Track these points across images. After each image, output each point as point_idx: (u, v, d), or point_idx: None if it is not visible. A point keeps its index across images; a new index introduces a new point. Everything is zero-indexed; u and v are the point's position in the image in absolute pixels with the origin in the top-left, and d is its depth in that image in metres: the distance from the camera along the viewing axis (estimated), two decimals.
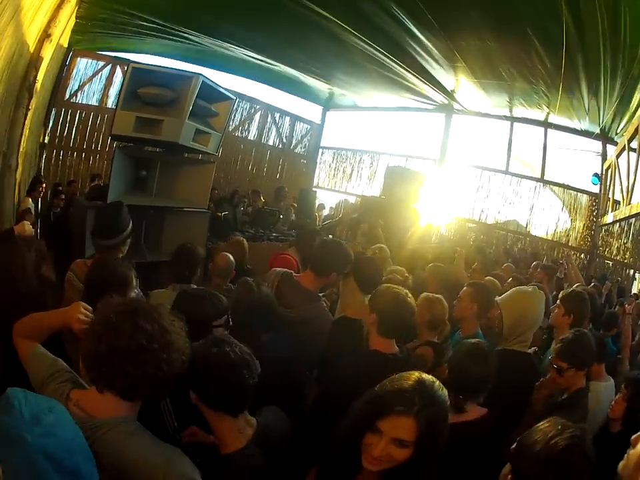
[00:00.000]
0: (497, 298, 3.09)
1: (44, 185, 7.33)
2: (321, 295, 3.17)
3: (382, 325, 2.37)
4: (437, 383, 1.47)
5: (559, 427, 1.46)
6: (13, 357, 1.67)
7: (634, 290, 10.39)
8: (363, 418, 1.43)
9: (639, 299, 7.66)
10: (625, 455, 1.50)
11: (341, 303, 3.40)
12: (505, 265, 6.57)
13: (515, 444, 1.51)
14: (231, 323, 2.28)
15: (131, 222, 3.12)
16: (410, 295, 2.48)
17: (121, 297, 1.52)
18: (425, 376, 1.47)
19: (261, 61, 9.44)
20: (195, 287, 3.10)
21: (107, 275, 2.28)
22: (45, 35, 5.40)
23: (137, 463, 1.28)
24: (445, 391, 1.46)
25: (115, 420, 1.34)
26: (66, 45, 7.73)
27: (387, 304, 2.38)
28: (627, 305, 4.53)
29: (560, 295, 3.36)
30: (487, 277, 4.36)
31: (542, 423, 1.53)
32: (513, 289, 3.19)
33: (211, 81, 4.75)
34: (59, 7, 5.42)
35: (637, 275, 10.75)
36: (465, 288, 3.30)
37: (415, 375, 1.46)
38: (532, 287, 3.15)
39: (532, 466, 1.41)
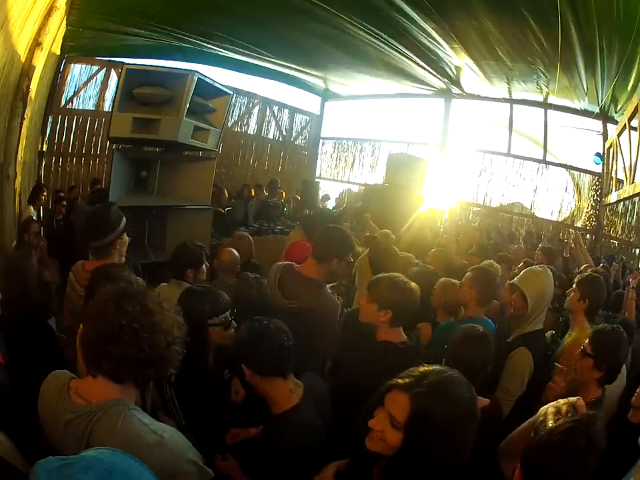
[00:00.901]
0: (514, 280, 3.08)
1: (45, 193, 7.30)
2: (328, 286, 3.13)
3: (395, 318, 2.41)
4: (459, 378, 1.41)
5: (565, 410, 1.42)
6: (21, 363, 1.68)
7: None
8: (379, 393, 1.43)
9: None
10: None
11: (358, 294, 3.45)
12: (516, 246, 6.53)
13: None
14: (231, 318, 2.31)
15: (124, 221, 3.00)
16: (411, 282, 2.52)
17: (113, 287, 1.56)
18: (446, 369, 1.43)
19: (256, 56, 9.38)
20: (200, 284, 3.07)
21: (106, 281, 2.17)
22: (36, 44, 5.33)
23: (130, 443, 1.29)
24: (468, 392, 1.39)
25: (107, 403, 1.37)
26: (58, 53, 7.69)
27: (399, 297, 2.41)
28: (630, 279, 4.48)
29: (576, 279, 3.29)
30: (488, 260, 4.34)
31: (547, 407, 1.50)
32: (525, 269, 3.19)
33: (207, 77, 4.72)
34: (47, 15, 5.36)
35: None
36: (467, 273, 3.31)
37: (439, 366, 1.44)
38: (542, 267, 3.18)
39: (534, 450, 1.38)
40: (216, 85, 4.93)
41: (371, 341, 2.51)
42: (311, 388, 2.04)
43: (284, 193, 10.17)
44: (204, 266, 3.23)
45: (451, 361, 2.09)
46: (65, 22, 6.37)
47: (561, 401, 1.49)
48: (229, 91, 5.23)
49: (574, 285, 3.23)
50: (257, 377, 1.91)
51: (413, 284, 2.50)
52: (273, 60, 9.64)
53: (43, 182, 8.38)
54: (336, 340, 2.90)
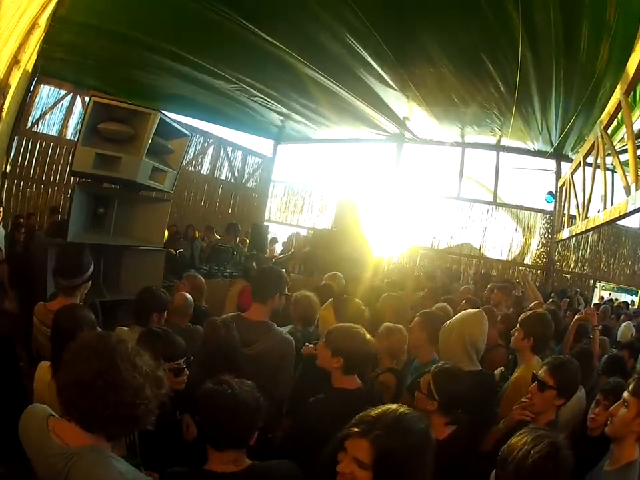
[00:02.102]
0: (446, 323, 3.20)
1: (1, 210, 7.21)
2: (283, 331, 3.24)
3: (347, 365, 2.48)
4: (410, 414, 1.50)
5: (536, 437, 1.58)
6: None
7: (595, 299, 10.79)
8: (337, 440, 1.50)
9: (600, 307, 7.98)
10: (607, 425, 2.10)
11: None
12: (464, 287, 6.65)
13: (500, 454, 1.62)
14: (184, 366, 2.32)
15: (92, 265, 3.13)
16: (365, 330, 2.60)
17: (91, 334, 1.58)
18: (397, 407, 1.51)
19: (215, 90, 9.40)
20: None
21: (71, 322, 2.33)
22: (15, 61, 5.21)
23: None
24: (421, 424, 1.48)
25: (84, 448, 1.38)
26: (31, 70, 7.51)
27: (350, 345, 2.48)
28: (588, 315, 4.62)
29: (520, 318, 3.37)
30: (439, 303, 4.47)
31: (522, 432, 1.66)
32: (460, 313, 3.31)
33: (168, 117, 4.75)
34: (29, 32, 5.26)
35: (597, 283, 11.13)
36: (415, 318, 3.43)
37: (391, 406, 1.52)
38: (478, 310, 3.31)
39: (508, 476, 1.53)
40: (176, 125, 4.97)
41: (327, 386, 2.57)
42: (259, 471, 1.82)
43: (238, 238, 10.24)
44: (166, 311, 3.28)
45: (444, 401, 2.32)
46: (41, 40, 6.24)
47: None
48: (188, 133, 5.27)
49: (518, 324, 3.31)
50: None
51: (368, 336, 2.58)
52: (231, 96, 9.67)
53: (4, 204, 8.23)
54: (292, 379, 3.04)
